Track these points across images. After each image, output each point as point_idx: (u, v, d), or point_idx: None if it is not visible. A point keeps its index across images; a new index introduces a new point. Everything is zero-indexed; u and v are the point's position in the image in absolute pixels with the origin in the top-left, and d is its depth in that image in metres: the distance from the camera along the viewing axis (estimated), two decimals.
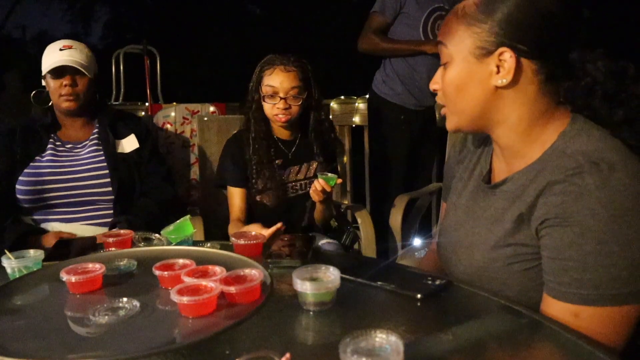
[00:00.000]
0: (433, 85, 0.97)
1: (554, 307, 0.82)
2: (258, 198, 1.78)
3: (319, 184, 1.58)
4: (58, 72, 1.70)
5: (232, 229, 1.72)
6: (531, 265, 0.89)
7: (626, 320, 0.79)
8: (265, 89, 1.70)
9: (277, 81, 1.68)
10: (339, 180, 1.61)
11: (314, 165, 1.84)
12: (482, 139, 1.09)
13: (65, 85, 1.71)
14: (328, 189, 1.59)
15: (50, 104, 1.80)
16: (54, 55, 1.73)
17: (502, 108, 0.90)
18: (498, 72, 0.87)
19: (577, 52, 0.89)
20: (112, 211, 1.74)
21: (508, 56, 0.86)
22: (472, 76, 0.90)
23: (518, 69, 0.86)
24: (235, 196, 1.78)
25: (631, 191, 0.78)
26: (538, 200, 0.85)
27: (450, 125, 0.98)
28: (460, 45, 0.90)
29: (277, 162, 1.78)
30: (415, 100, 2.56)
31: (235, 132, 1.92)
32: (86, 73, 1.72)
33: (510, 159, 0.95)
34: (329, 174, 1.60)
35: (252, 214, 1.81)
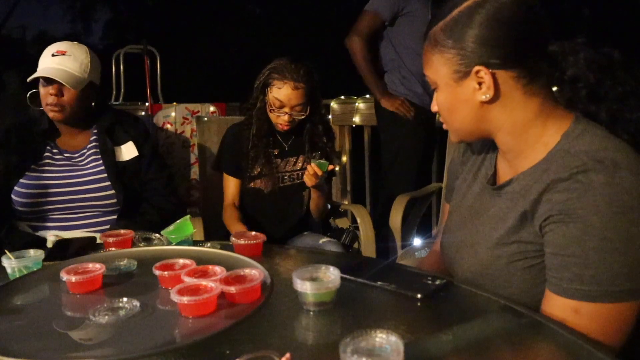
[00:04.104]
0: (433, 108, 1.01)
1: (555, 303, 0.83)
2: (252, 184, 1.85)
3: (311, 168, 1.69)
4: (46, 79, 1.64)
5: (227, 214, 1.86)
6: (534, 263, 0.89)
7: (626, 318, 0.80)
8: (273, 101, 1.76)
9: (285, 97, 1.73)
10: (331, 167, 1.73)
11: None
12: (486, 141, 1.09)
13: (51, 95, 1.64)
14: (320, 173, 1.69)
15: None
16: (46, 60, 1.66)
17: (493, 119, 0.92)
18: (480, 88, 0.89)
19: (557, 44, 0.90)
20: (114, 217, 1.71)
21: (484, 73, 0.87)
22: (457, 98, 0.92)
23: (496, 82, 0.88)
24: (230, 183, 1.89)
25: (636, 189, 0.78)
26: (542, 198, 0.86)
27: (453, 138, 1.02)
28: (439, 74, 0.93)
29: (274, 151, 1.86)
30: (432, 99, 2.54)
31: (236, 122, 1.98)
32: (70, 87, 1.63)
33: (514, 161, 0.96)
34: (322, 160, 1.72)
35: (248, 202, 1.89)
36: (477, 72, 0.88)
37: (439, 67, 0.92)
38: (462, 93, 0.91)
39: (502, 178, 1.00)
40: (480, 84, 0.89)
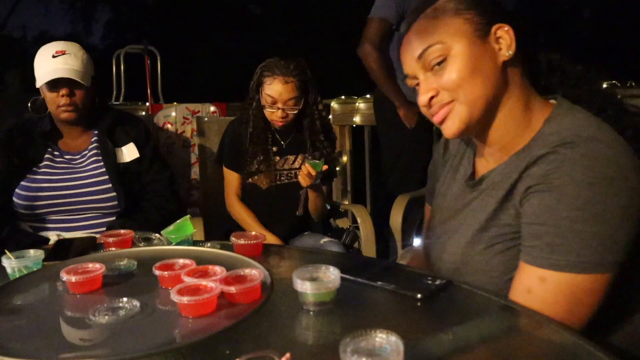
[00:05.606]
0: (428, 94, 0.92)
1: (524, 272, 0.83)
2: (250, 180, 1.88)
3: (305, 168, 1.70)
4: (53, 83, 1.62)
5: (237, 210, 1.90)
6: (512, 245, 0.89)
7: (593, 291, 0.79)
8: (265, 98, 1.79)
9: (276, 92, 1.76)
10: (325, 167, 1.73)
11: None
12: (464, 141, 1.10)
13: (63, 96, 1.64)
14: (313, 173, 1.70)
15: (47, 111, 1.74)
16: (48, 63, 1.63)
17: (506, 86, 0.91)
18: (500, 48, 0.90)
19: (542, 55, 0.97)
20: (116, 218, 1.72)
21: (506, 29, 0.89)
22: (483, 55, 0.89)
23: (516, 38, 0.89)
24: (231, 177, 1.93)
25: (613, 162, 0.79)
26: (521, 176, 0.87)
27: (456, 123, 0.92)
28: (460, 33, 0.89)
29: (273, 148, 1.88)
30: None
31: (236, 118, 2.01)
32: (83, 83, 1.64)
33: (498, 153, 0.96)
34: (316, 160, 1.72)
35: (245, 198, 1.92)
36: (497, 30, 0.89)
37: (458, 27, 0.89)
38: (486, 51, 0.89)
39: (481, 175, 1.01)
40: (498, 45, 0.90)
